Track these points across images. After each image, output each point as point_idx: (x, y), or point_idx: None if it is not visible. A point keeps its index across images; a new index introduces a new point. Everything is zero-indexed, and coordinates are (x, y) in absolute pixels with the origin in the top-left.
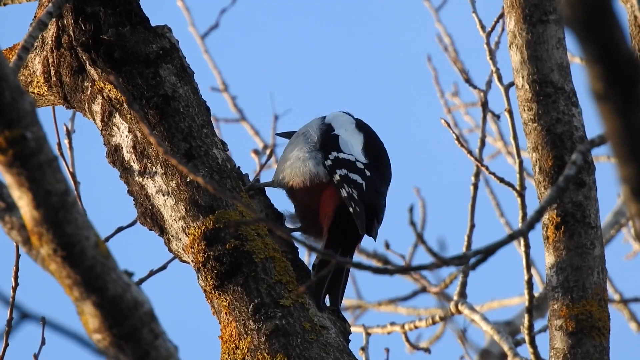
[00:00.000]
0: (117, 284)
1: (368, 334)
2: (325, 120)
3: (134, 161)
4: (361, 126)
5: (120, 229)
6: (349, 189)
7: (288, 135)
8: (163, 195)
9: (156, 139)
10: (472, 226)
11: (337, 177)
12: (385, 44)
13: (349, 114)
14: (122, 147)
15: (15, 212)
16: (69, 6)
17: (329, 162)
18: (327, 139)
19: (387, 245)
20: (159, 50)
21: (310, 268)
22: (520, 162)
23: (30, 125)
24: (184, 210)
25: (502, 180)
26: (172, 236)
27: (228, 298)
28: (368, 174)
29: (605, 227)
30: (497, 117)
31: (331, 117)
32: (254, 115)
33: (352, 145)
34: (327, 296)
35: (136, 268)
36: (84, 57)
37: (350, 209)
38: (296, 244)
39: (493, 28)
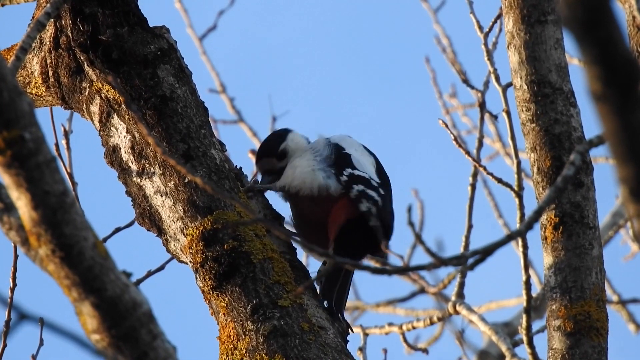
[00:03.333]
0: (116, 285)
1: (366, 335)
2: (332, 141)
3: (132, 162)
4: (368, 150)
5: (118, 230)
6: (367, 204)
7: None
8: (161, 195)
9: (154, 140)
10: (470, 227)
11: (354, 192)
12: (383, 45)
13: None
14: (120, 148)
15: (13, 213)
16: (67, 7)
17: (344, 178)
18: (339, 156)
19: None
20: (157, 51)
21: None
22: (518, 163)
23: (28, 125)
24: (182, 210)
25: (500, 180)
26: (170, 237)
27: (226, 299)
28: (382, 192)
29: (604, 228)
30: (494, 117)
31: (337, 139)
32: (252, 117)
33: (364, 165)
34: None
35: (134, 269)
36: (82, 58)
37: (371, 224)
38: (294, 245)
39: (491, 29)
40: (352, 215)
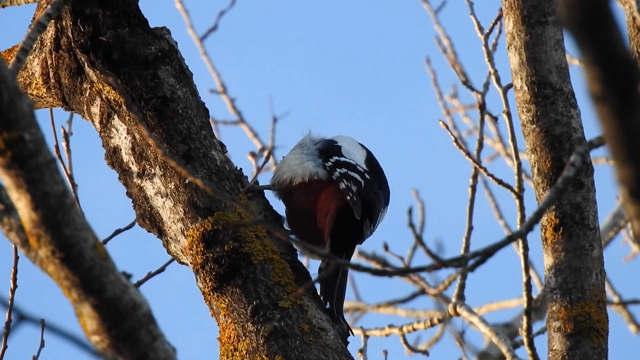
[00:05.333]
0: (116, 286)
1: (366, 336)
2: (327, 138)
3: (132, 163)
4: (363, 146)
5: (118, 231)
6: (347, 182)
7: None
8: (162, 197)
9: (155, 141)
10: (471, 228)
11: (336, 174)
12: (384, 46)
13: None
14: (120, 149)
15: (13, 214)
16: (67, 8)
17: (329, 164)
18: (328, 147)
19: (386, 247)
20: (158, 52)
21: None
22: (519, 164)
23: (28, 126)
24: (182, 212)
25: (500, 182)
26: (170, 238)
27: (227, 300)
28: (367, 177)
29: (604, 229)
30: (494, 119)
31: (334, 136)
32: (253, 118)
33: (354, 156)
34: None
35: (135, 270)
36: (83, 59)
37: (348, 198)
38: (294, 246)
39: (491, 30)
40: (342, 203)
